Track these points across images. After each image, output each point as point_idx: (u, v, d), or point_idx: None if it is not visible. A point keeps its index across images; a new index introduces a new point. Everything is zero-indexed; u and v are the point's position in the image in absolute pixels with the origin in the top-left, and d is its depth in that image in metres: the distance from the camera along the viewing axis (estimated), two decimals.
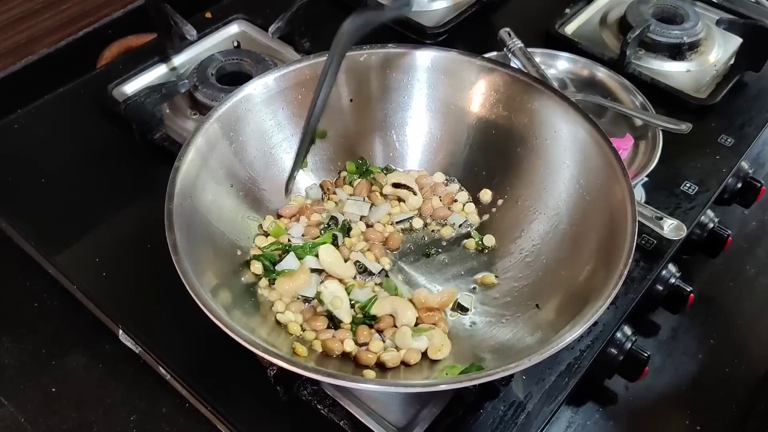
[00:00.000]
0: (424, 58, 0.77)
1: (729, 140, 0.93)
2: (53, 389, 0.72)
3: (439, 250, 0.76)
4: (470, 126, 0.79)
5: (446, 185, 0.80)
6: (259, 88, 0.73)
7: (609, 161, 0.67)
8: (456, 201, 0.79)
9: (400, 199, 0.79)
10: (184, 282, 0.57)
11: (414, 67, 0.78)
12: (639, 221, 0.79)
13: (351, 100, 0.79)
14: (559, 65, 0.98)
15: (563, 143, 0.72)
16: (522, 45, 0.95)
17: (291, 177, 0.76)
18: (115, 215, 0.83)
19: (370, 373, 0.61)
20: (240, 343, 0.55)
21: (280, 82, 0.74)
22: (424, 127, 0.81)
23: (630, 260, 0.59)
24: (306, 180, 0.80)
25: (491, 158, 0.79)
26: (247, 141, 0.73)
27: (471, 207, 0.79)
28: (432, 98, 0.79)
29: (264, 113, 0.74)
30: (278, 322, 0.67)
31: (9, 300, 0.79)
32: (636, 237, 0.61)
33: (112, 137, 0.90)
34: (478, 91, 0.77)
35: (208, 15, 1.06)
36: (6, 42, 1.00)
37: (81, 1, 1.05)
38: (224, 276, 0.65)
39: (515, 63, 0.94)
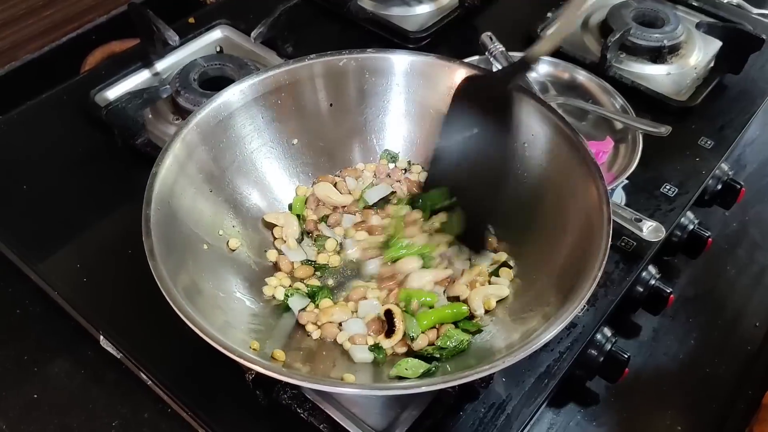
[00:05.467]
0: (402, 62, 0.78)
1: (709, 142, 0.94)
2: (35, 395, 0.72)
3: None
4: None
5: None
6: (237, 94, 0.73)
7: (584, 162, 0.68)
8: None
9: None
10: (160, 287, 0.57)
11: (392, 72, 0.78)
12: (618, 223, 0.79)
13: (330, 105, 0.79)
14: (540, 69, 0.98)
15: (540, 146, 0.72)
16: (503, 49, 0.95)
17: None
18: (96, 221, 0.83)
19: (349, 378, 0.61)
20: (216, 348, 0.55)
21: (258, 88, 0.74)
22: (403, 131, 0.81)
23: (605, 260, 0.60)
24: (285, 188, 0.79)
25: None
26: (227, 146, 0.73)
27: None
28: (410, 102, 0.80)
29: (242, 118, 0.74)
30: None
31: None
32: (611, 236, 0.61)
33: (94, 143, 0.90)
34: None
35: (192, 20, 1.06)
36: None
37: (65, 7, 1.05)
38: (202, 279, 0.65)
39: (497, 66, 0.95)
